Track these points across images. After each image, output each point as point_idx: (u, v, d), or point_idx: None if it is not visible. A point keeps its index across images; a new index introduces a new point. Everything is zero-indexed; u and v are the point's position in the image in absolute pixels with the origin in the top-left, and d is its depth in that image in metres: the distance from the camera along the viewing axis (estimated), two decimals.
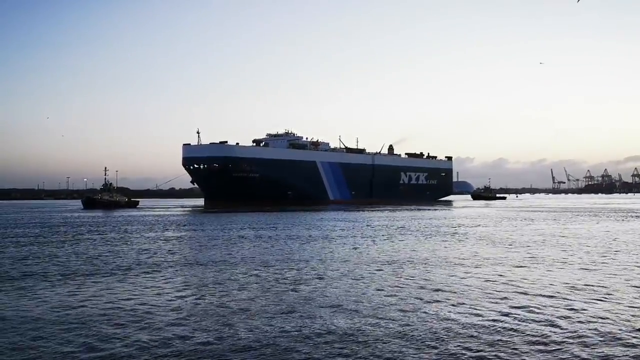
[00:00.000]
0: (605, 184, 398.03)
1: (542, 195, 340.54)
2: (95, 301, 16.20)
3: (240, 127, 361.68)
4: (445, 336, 12.32)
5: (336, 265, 23.77)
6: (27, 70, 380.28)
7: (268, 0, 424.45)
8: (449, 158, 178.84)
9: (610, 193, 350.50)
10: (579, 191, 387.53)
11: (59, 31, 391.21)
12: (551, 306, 15.23)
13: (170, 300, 16.27)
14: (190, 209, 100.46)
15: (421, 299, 16.32)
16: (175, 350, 11.32)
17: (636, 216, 66.42)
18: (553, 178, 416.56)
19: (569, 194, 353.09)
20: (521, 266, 23.23)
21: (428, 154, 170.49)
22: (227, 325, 13.24)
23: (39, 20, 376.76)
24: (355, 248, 30.72)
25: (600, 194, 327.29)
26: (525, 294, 17.05)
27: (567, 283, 18.92)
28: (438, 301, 16.06)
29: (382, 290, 17.85)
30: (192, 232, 43.26)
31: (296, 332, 12.66)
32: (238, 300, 16.25)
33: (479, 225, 51.12)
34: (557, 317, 13.96)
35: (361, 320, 13.71)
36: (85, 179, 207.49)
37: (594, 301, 15.91)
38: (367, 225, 49.74)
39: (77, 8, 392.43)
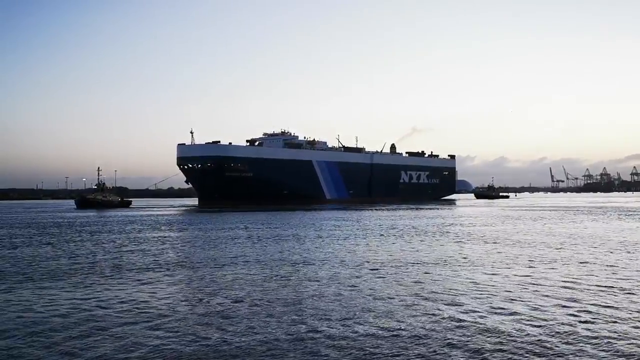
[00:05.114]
0: (604, 183, 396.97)
1: (541, 194, 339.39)
2: (89, 302, 15.71)
3: (238, 127, 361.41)
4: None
5: (328, 265, 22.52)
6: (26, 71, 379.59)
7: (264, 0, 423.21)
8: (452, 157, 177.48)
9: (609, 192, 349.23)
10: (578, 190, 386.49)
11: (57, 32, 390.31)
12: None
13: (161, 304, 15.46)
14: (183, 208, 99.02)
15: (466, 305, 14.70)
16: (172, 352, 11.02)
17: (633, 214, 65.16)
18: (552, 177, 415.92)
19: (568, 193, 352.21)
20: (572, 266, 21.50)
21: (431, 152, 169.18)
22: (223, 328, 12.78)
23: (38, 20, 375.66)
24: (354, 249, 29.04)
25: (599, 193, 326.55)
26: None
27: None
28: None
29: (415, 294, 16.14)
30: (184, 232, 42.04)
31: (295, 336, 12.09)
32: (233, 302, 15.59)
33: (496, 225, 49.51)
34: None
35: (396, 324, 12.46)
36: (83, 179, 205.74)
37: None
38: (365, 225, 48.04)
39: (75, 8, 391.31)
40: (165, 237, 37.69)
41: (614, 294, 16.34)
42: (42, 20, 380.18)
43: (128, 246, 31.34)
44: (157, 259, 25.57)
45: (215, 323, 13.23)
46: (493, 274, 20.09)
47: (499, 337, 11.87)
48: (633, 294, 16.34)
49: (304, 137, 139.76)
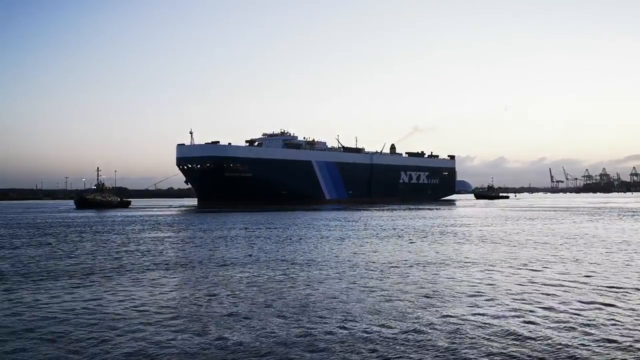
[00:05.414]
0: (603, 183, 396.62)
1: (541, 194, 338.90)
2: (89, 303, 15.57)
3: (237, 127, 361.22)
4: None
5: (331, 265, 22.19)
6: (26, 71, 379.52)
7: (263, 0, 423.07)
8: (452, 157, 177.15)
9: (609, 192, 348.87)
10: (577, 190, 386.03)
11: (57, 32, 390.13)
12: None
13: (162, 305, 15.25)
14: (183, 209, 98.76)
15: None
16: (173, 353, 10.94)
17: (631, 215, 65.02)
18: (552, 177, 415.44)
19: (567, 193, 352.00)
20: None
21: (431, 153, 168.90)
22: (225, 329, 12.64)
23: (38, 20, 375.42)
24: (355, 250, 28.83)
25: (598, 193, 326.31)
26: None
27: None
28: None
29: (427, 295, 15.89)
30: (184, 233, 41.74)
31: (298, 337, 11.92)
32: (236, 302, 15.43)
33: (497, 225, 49.33)
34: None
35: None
36: (83, 179, 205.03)
37: None
38: (366, 226, 47.83)
39: (75, 9, 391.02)
40: (165, 237, 37.48)
41: (623, 293, 16.20)
42: (42, 20, 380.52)
43: (128, 246, 31.15)
44: (157, 259, 25.39)
45: (218, 323, 13.08)
46: (501, 275, 19.92)
47: (512, 338, 11.70)
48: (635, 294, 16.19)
49: (304, 138, 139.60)
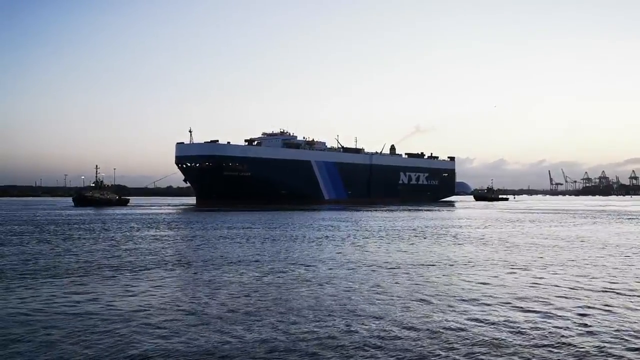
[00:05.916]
0: (602, 186, 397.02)
1: (540, 196, 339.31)
2: (88, 304, 15.20)
3: (237, 127, 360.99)
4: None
5: (329, 264, 21.90)
6: (26, 69, 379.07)
7: (263, 0, 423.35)
8: (452, 158, 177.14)
9: (608, 195, 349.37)
10: (576, 193, 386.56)
11: (57, 31, 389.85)
12: None
13: (162, 304, 15.12)
14: (181, 207, 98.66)
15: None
16: (173, 352, 10.81)
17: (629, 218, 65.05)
18: (551, 180, 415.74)
19: (567, 196, 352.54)
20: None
21: (431, 154, 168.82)
22: (224, 330, 12.46)
23: (38, 19, 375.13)
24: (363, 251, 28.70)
25: (597, 196, 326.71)
26: None
27: None
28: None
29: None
30: (182, 232, 41.66)
31: (299, 337, 11.67)
32: (236, 302, 15.25)
33: (499, 227, 49.25)
34: None
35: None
36: (82, 177, 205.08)
37: None
38: (366, 227, 47.68)
39: (75, 8, 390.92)
40: (163, 236, 37.37)
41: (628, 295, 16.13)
42: (43, 19, 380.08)
43: (126, 244, 31.04)
44: (156, 258, 25.32)
45: (218, 323, 12.99)
46: (502, 276, 19.85)
47: (514, 339, 11.61)
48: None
49: (303, 137, 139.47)
